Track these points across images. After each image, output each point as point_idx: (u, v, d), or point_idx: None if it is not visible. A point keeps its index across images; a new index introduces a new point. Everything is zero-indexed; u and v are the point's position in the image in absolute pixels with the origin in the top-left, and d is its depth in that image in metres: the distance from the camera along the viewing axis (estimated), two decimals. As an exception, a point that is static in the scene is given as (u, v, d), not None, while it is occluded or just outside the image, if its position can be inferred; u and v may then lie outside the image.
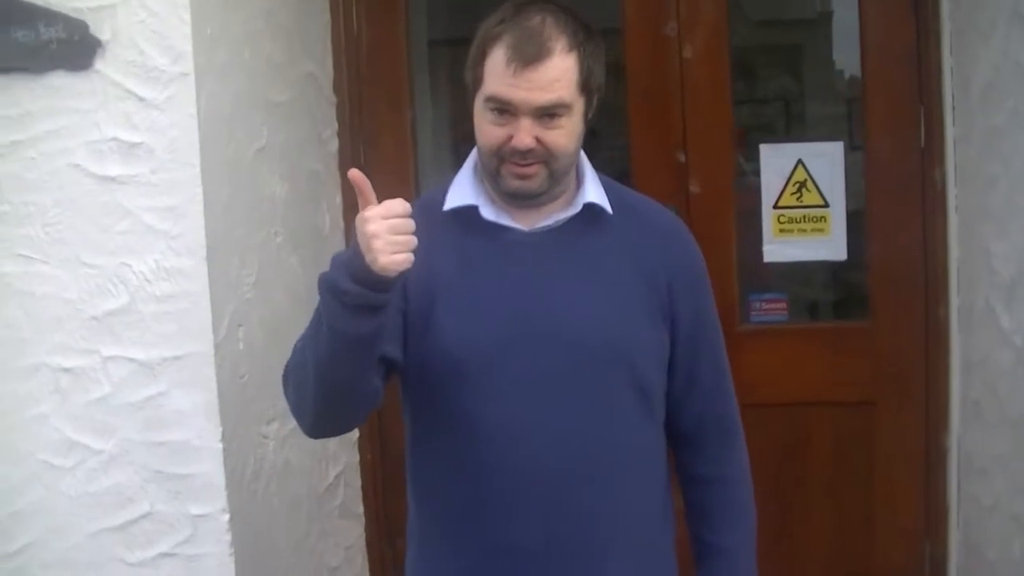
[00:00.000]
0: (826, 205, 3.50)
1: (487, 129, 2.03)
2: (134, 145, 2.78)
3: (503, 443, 2.06)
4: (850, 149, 3.69)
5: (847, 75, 5.52)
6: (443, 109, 5.12)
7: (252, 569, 2.97)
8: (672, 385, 2.18)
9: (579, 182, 2.14)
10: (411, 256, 1.85)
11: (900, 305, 3.48)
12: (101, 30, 2.76)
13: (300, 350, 2.07)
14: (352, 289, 1.85)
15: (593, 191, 2.12)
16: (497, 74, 1.98)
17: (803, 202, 3.51)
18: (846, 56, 5.45)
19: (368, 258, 1.83)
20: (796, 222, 3.51)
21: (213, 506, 2.86)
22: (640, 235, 2.15)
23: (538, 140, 1.98)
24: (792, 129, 5.63)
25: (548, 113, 1.98)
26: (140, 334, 2.84)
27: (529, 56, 1.95)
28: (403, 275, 1.86)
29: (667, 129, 3.52)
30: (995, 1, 2.91)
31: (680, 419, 2.21)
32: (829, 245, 3.53)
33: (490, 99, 2.00)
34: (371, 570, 3.74)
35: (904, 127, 3.42)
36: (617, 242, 2.12)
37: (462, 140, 4.96)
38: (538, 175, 2.02)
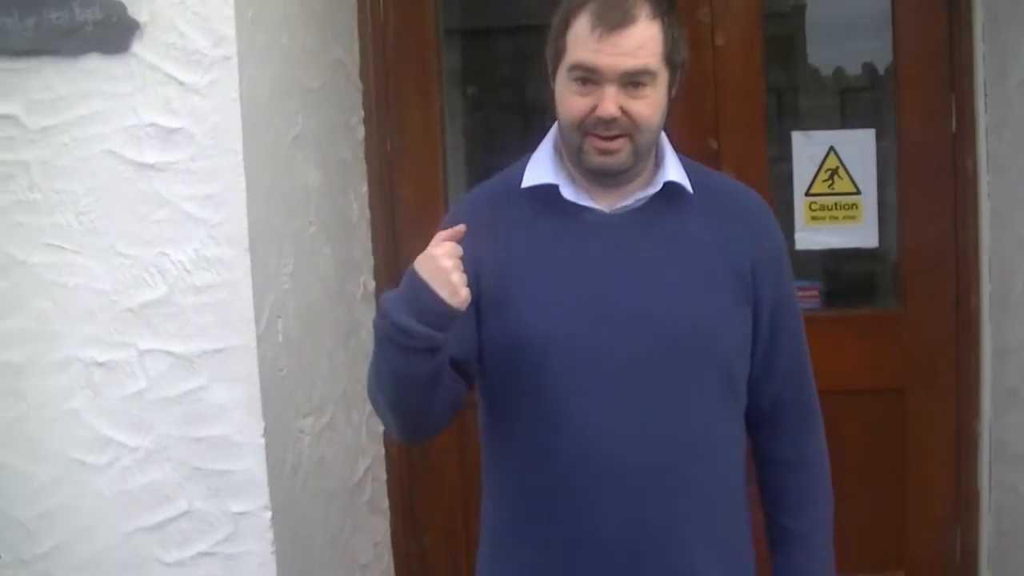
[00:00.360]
0: (858, 192, 3.49)
1: (570, 100, 1.98)
2: (173, 131, 2.69)
3: (585, 432, 2.01)
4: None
5: (832, 68, 5.52)
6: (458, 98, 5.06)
7: (292, 567, 2.89)
8: (752, 367, 2.14)
9: (659, 161, 2.09)
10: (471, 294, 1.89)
11: (931, 292, 3.48)
12: (139, 12, 2.66)
13: (371, 376, 2.05)
14: (421, 331, 1.87)
15: (674, 170, 2.07)
16: (581, 41, 1.94)
17: (835, 189, 3.50)
18: (828, 48, 5.47)
19: (446, 292, 1.85)
20: (828, 209, 3.50)
21: (255, 503, 2.78)
22: (723, 215, 2.10)
23: (623, 110, 1.94)
24: (784, 120, 5.61)
25: (633, 81, 1.94)
26: (178, 326, 2.75)
27: (614, 21, 1.92)
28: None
29: (699, 115, 3.49)
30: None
31: (759, 402, 2.17)
32: (861, 232, 3.53)
33: (574, 67, 1.96)
34: (396, 566, 3.67)
35: (935, 115, 3.42)
36: (699, 222, 2.07)
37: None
38: (622, 150, 1.98)
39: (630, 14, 1.93)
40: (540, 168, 2.10)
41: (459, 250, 1.89)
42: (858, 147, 3.50)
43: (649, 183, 2.07)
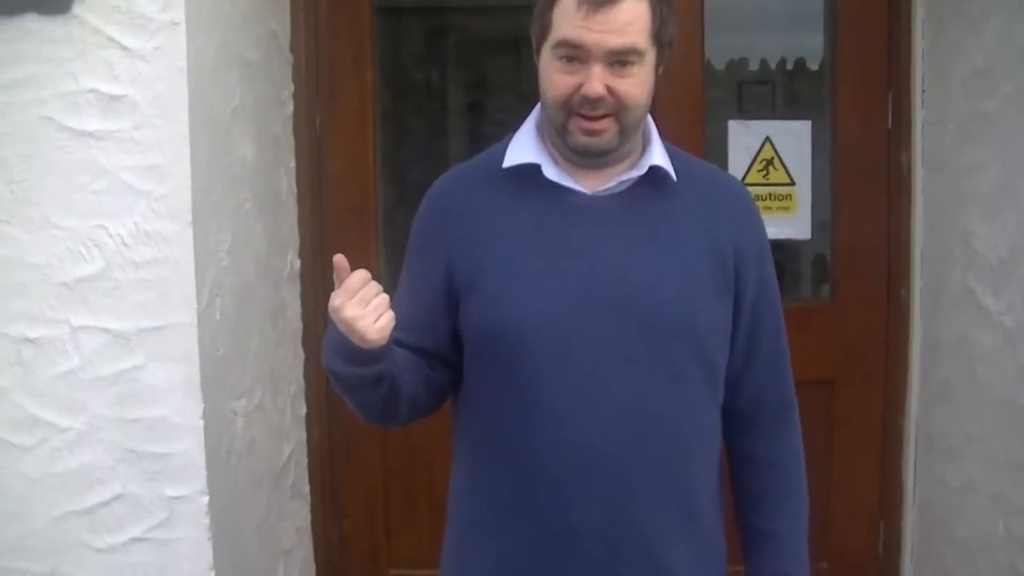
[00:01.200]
0: (792, 183, 3.50)
1: (555, 78, 1.94)
2: (115, 98, 2.57)
3: (562, 417, 1.97)
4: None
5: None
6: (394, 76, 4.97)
7: (225, 553, 2.79)
8: (731, 360, 2.11)
9: (644, 144, 2.06)
10: (392, 314, 1.87)
11: (863, 285, 3.51)
12: (81, -29, 2.53)
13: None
14: (352, 372, 1.92)
15: (659, 154, 2.04)
16: (568, 17, 1.90)
17: (769, 180, 3.50)
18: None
19: (356, 339, 1.85)
20: (762, 199, 3.49)
21: (192, 487, 2.68)
22: (707, 202, 2.07)
23: (609, 89, 1.90)
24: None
25: (620, 60, 1.90)
26: (115, 303, 2.63)
27: None
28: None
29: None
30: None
31: (736, 397, 2.15)
32: (794, 223, 3.53)
33: (560, 44, 1.91)
34: (316, 552, 3.58)
35: (872, 110, 3.44)
36: (683, 208, 2.04)
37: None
38: (608, 130, 1.94)
39: None
40: (522, 147, 2.05)
41: (355, 287, 1.84)
42: (794, 138, 3.50)
43: (634, 166, 2.03)
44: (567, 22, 1.90)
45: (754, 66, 4.50)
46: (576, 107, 1.92)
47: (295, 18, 3.43)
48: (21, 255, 2.62)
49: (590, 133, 1.94)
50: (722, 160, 3.49)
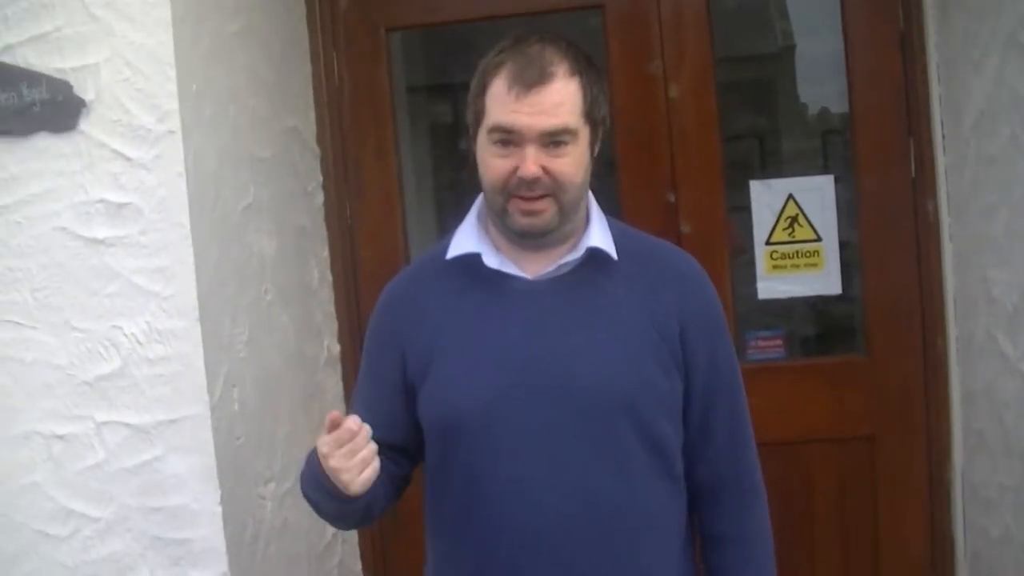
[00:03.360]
0: (818, 239, 3.48)
1: (491, 163, 1.98)
2: (121, 206, 2.73)
3: (508, 502, 2.00)
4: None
5: (816, 108, 5.51)
6: (424, 155, 5.09)
7: (256, 634, 2.91)
8: (687, 437, 2.11)
9: (587, 224, 2.08)
10: (377, 465, 1.94)
11: (897, 337, 3.45)
12: (85, 90, 2.71)
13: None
14: (331, 505, 2.04)
15: (598, 235, 2.06)
16: (500, 102, 1.94)
17: (795, 237, 3.49)
18: (814, 89, 5.45)
19: (340, 486, 1.93)
20: (789, 257, 3.48)
21: (214, 571, 2.79)
22: (651, 280, 2.08)
23: (545, 170, 1.93)
24: (768, 165, 5.61)
25: (554, 140, 1.93)
26: (134, 398, 2.78)
27: (531, 80, 1.92)
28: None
29: (656, 169, 3.49)
30: (988, 30, 2.90)
31: (695, 473, 2.14)
32: (823, 279, 3.50)
33: (494, 129, 1.95)
34: (372, 628, 3.66)
35: (894, 159, 3.40)
36: (625, 288, 2.06)
37: (445, 187, 4.95)
38: (547, 210, 1.97)
39: (547, 72, 1.93)
40: (464, 238, 2.10)
41: (344, 439, 1.92)
42: (817, 194, 3.48)
43: (574, 248, 2.06)
44: (499, 106, 1.94)
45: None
46: (514, 189, 1.96)
47: (319, 113, 3.57)
48: (47, 357, 2.79)
49: (529, 214, 1.98)
50: (745, 219, 3.51)
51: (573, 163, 1.97)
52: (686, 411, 2.10)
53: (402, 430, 2.15)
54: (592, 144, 2.03)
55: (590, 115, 1.99)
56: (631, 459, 2.02)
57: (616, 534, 2.01)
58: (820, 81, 4.61)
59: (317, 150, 3.58)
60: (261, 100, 3.18)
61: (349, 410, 2.10)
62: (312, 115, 3.57)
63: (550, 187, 1.96)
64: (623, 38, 3.51)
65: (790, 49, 5.99)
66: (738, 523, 2.16)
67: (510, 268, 2.06)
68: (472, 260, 2.07)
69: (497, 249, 2.08)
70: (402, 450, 2.17)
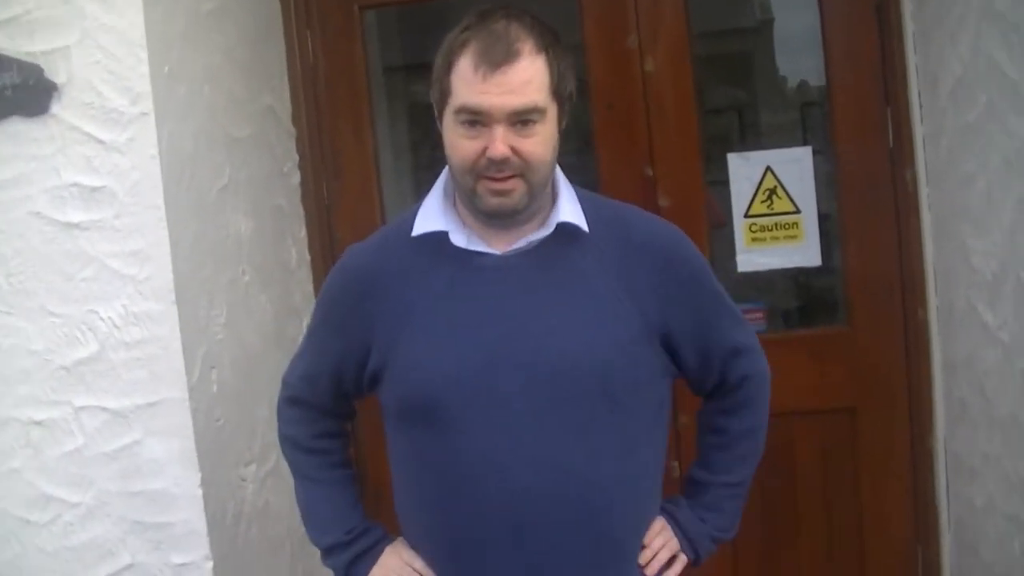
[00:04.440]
0: (797, 211, 3.47)
1: (459, 144, 1.95)
2: (95, 189, 2.72)
3: (482, 479, 1.99)
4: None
5: (795, 81, 5.52)
6: (402, 135, 5.06)
7: (239, 615, 2.91)
8: (687, 374, 2.16)
9: (554, 200, 2.06)
10: None
11: (878, 309, 3.44)
12: (56, 73, 2.69)
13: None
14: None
15: (568, 209, 2.04)
16: (466, 81, 1.91)
17: (774, 209, 3.48)
18: (792, 62, 5.46)
19: None
20: (768, 230, 3.47)
21: (196, 554, 2.79)
22: (624, 249, 2.07)
23: (514, 150, 1.91)
24: (747, 138, 5.61)
25: (522, 120, 1.91)
26: (111, 382, 2.77)
27: (498, 59, 1.89)
28: None
29: (633, 143, 3.47)
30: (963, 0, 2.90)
31: (702, 387, 2.22)
32: (803, 251, 3.49)
33: (461, 110, 1.93)
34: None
35: (872, 130, 3.39)
36: (597, 260, 2.05)
37: (424, 167, 4.94)
38: (516, 189, 1.95)
39: (513, 49, 1.90)
40: (430, 215, 2.08)
41: None
42: (796, 166, 3.46)
43: (543, 224, 2.04)
44: (466, 87, 1.91)
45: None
46: (483, 170, 1.94)
47: (295, 92, 3.55)
48: (23, 343, 2.78)
49: (499, 194, 1.95)
50: (724, 192, 3.50)
51: (542, 142, 1.95)
52: (682, 364, 2.12)
53: (340, 400, 2.26)
54: (560, 120, 2.00)
55: (557, 91, 1.96)
56: (606, 432, 2.01)
57: (591, 510, 2.01)
58: (799, 54, 4.63)
59: (293, 130, 3.55)
60: (236, 80, 3.16)
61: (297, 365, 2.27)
62: (287, 95, 3.54)
63: (519, 167, 1.93)
64: (599, 12, 3.49)
65: (768, 23, 6.01)
66: (734, 416, 2.24)
67: (478, 245, 2.05)
68: (438, 238, 2.05)
69: (464, 225, 2.06)
70: (333, 410, 2.30)
